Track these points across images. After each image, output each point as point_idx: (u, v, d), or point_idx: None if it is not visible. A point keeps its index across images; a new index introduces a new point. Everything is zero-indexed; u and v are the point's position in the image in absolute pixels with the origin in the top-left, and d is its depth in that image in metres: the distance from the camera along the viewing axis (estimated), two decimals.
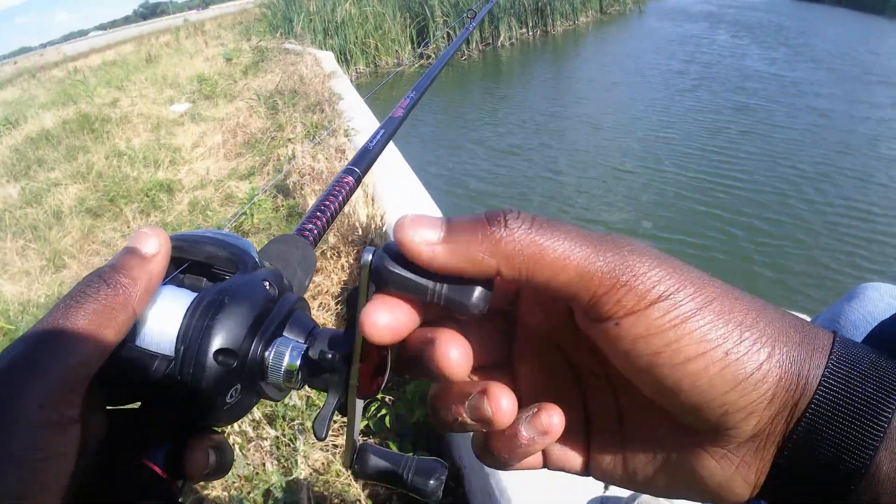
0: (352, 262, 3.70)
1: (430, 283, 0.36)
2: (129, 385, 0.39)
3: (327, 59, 10.31)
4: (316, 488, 2.26)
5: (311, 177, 4.70)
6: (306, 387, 0.42)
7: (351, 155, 4.88)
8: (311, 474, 2.32)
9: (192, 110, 9.10)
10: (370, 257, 0.37)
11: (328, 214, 0.74)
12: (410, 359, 0.39)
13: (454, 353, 0.36)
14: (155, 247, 0.40)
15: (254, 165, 6.18)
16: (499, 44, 16.62)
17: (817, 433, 0.33)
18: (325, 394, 0.42)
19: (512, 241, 0.34)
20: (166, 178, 6.11)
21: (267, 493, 2.19)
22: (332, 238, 3.89)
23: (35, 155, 7.98)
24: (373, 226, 3.69)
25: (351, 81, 8.95)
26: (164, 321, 0.39)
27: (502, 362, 0.44)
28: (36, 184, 6.73)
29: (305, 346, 0.41)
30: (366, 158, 0.91)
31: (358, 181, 0.85)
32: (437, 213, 3.59)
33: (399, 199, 3.88)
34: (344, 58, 14.58)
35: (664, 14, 21.61)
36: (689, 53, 13.38)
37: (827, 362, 0.34)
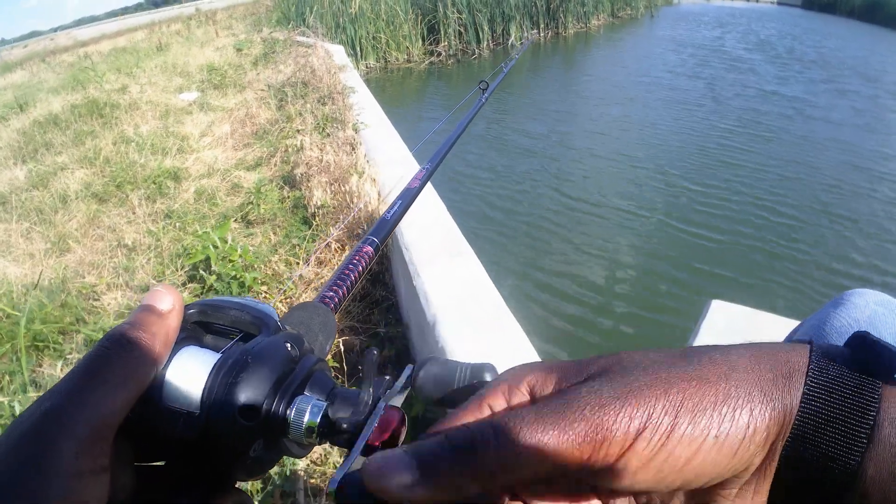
0: None
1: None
2: (155, 441, 0.41)
3: (338, 52, 10.32)
4: (313, 480, 2.27)
5: (318, 168, 4.70)
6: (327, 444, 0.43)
7: (360, 149, 4.90)
8: (308, 465, 2.33)
9: (201, 99, 9.11)
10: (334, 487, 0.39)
11: (348, 283, 0.76)
12: None
13: None
14: (170, 304, 0.43)
15: (261, 156, 6.18)
16: (509, 43, 16.63)
17: (802, 451, 0.35)
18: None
19: (487, 466, 0.35)
20: (173, 166, 6.11)
21: (266, 481, 2.20)
22: (336, 231, 3.89)
23: (43, 138, 7.98)
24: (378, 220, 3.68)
25: (361, 76, 8.95)
26: (189, 379, 0.41)
27: None
28: (43, 167, 6.74)
29: (325, 404, 0.42)
30: (384, 229, 0.95)
31: (377, 250, 0.88)
32: (440, 205, 3.59)
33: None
34: (354, 52, 14.61)
35: (676, 19, 21.71)
36: (698, 61, 13.46)
37: (804, 385, 0.36)
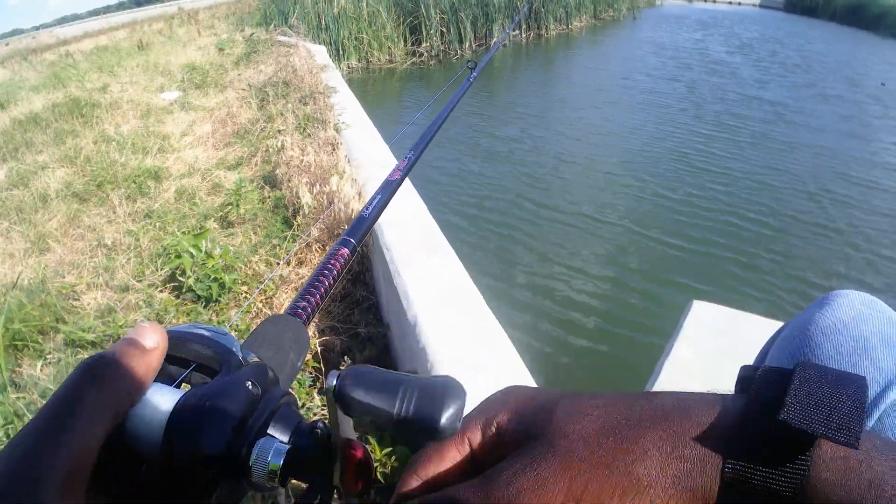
0: None
1: (395, 405, 0.40)
2: (120, 480, 0.40)
3: (320, 52, 10.31)
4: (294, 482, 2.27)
5: (299, 168, 4.70)
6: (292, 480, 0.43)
7: (342, 149, 4.89)
8: None
9: (183, 99, 9.08)
10: (334, 382, 0.41)
11: (322, 290, 0.74)
12: None
13: None
14: (154, 342, 0.42)
15: (242, 156, 6.17)
16: (491, 44, 16.64)
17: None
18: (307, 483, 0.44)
19: None
20: (154, 166, 6.09)
21: None
22: (316, 231, 3.89)
23: (23, 137, 7.92)
24: None
25: (343, 76, 8.94)
26: (150, 421, 0.40)
27: None
28: (23, 166, 6.69)
29: (288, 446, 0.41)
30: (362, 227, 0.92)
31: (353, 251, 0.85)
32: (421, 204, 3.60)
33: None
34: (337, 52, 14.59)
35: (659, 21, 21.71)
36: (679, 64, 13.49)
37: (718, 480, 0.37)
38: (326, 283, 0.75)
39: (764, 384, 0.40)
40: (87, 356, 0.40)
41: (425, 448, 0.46)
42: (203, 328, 0.47)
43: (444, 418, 0.39)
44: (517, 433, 0.43)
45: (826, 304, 0.98)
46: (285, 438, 0.42)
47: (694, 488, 0.37)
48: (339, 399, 0.41)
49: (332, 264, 0.79)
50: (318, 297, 0.72)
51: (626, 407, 0.42)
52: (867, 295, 0.98)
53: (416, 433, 0.41)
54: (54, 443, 0.34)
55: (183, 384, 0.45)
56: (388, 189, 1.10)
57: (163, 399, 0.41)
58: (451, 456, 0.45)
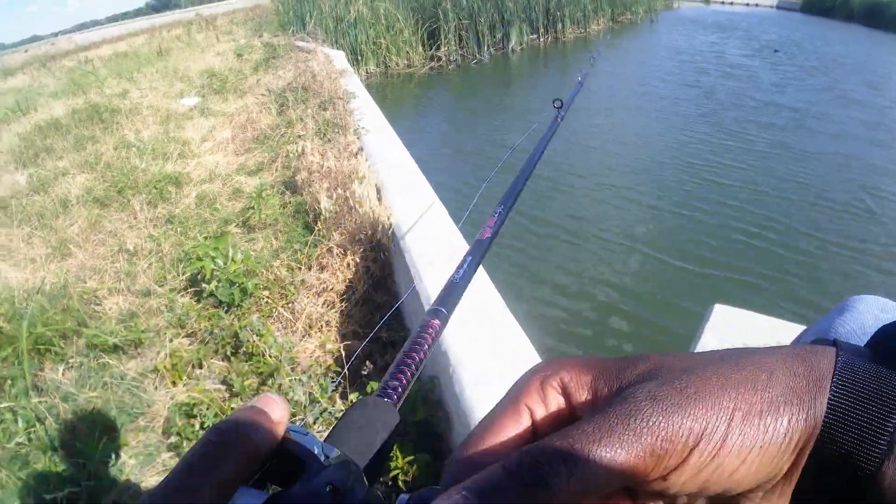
0: (357, 260, 3.70)
1: None
2: None
3: (339, 57, 10.33)
4: None
5: (319, 173, 4.71)
6: None
7: (362, 154, 4.89)
8: None
9: (202, 104, 9.12)
10: None
11: (413, 367, 0.68)
12: None
13: None
14: (280, 415, 0.41)
15: (262, 161, 6.19)
16: (510, 48, 16.66)
17: (826, 455, 0.35)
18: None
19: (560, 499, 0.32)
20: (174, 171, 6.12)
21: None
22: (337, 236, 3.89)
23: (44, 143, 7.98)
24: (380, 226, 3.69)
25: (361, 81, 8.95)
26: None
27: None
28: (44, 172, 6.74)
29: None
30: (453, 294, 0.86)
31: (445, 322, 0.79)
32: (442, 209, 3.60)
33: (407, 199, 3.88)
34: (355, 57, 14.62)
35: (676, 24, 21.68)
36: (697, 67, 13.42)
37: (830, 389, 0.35)
38: (417, 359, 0.70)
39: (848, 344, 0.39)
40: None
41: (472, 431, 0.39)
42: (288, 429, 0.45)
43: None
44: (598, 386, 0.38)
45: (846, 310, 0.97)
46: None
47: (814, 413, 0.35)
48: None
49: (422, 337, 0.74)
50: (409, 374, 0.67)
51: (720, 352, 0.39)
52: (886, 300, 0.98)
53: None
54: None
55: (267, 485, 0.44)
56: (479, 249, 1.01)
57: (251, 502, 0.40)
58: (509, 431, 0.38)
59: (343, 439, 0.52)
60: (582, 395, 0.38)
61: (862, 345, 0.56)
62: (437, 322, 0.77)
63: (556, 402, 0.39)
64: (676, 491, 0.35)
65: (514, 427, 0.38)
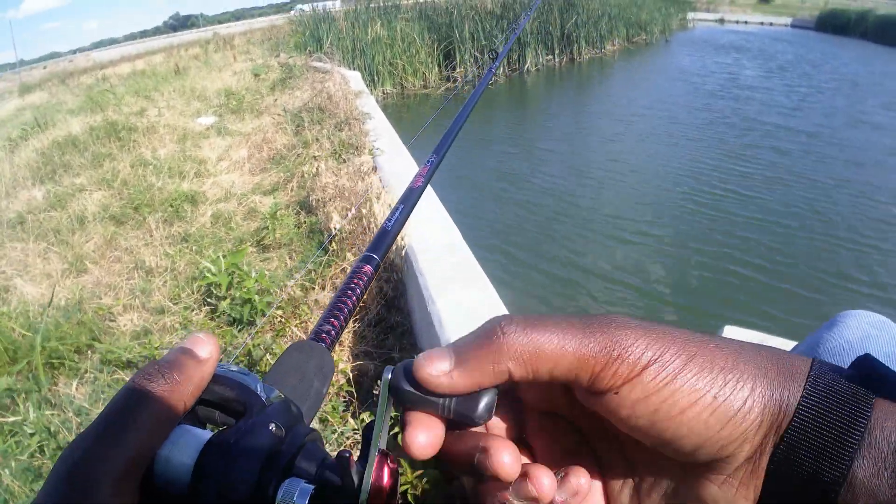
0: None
1: (440, 400, 0.41)
2: None
3: (355, 78, 10.37)
4: None
5: (334, 193, 4.73)
6: None
7: (376, 175, 4.91)
8: None
9: (219, 124, 9.18)
10: (388, 376, 0.42)
11: (346, 311, 0.72)
12: (459, 463, 0.43)
13: (507, 459, 0.40)
14: (208, 352, 0.44)
15: (278, 181, 6.22)
16: (525, 69, 16.72)
17: (797, 450, 0.36)
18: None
19: (513, 346, 0.38)
20: (190, 190, 6.16)
21: None
22: (351, 256, 3.91)
23: (61, 160, 8.04)
24: (393, 246, 3.69)
25: (377, 102, 8.99)
26: (178, 464, 0.41)
27: (518, 437, 0.47)
28: (61, 188, 6.79)
29: (313, 487, 0.41)
30: (384, 242, 0.88)
31: (377, 268, 0.82)
32: (455, 231, 3.61)
33: (420, 220, 3.89)
34: (371, 78, 14.69)
35: (690, 45, 21.73)
36: (713, 91, 13.42)
37: (804, 386, 0.37)
38: (350, 303, 0.73)
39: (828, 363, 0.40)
40: (124, 376, 0.41)
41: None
42: (225, 368, 0.48)
43: (480, 409, 0.41)
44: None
45: (835, 324, 0.99)
46: (311, 476, 0.43)
47: (781, 400, 0.37)
48: (392, 391, 0.42)
49: (354, 283, 0.77)
50: (342, 318, 0.70)
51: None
52: (877, 315, 0.99)
53: (458, 419, 0.42)
54: (111, 446, 0.36)
55: (207, 424, 0.46)
56: (411, 198, 1.03)
57: (190, 442, 0.41)
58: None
59: (280, 381, 0.54)
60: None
61: (849, 358, 0.57)
62: (368, 268, 0.80)
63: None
64: (629, 414, 0.38)
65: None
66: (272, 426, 0.43)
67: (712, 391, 0.37)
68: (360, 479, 0.42)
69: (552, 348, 0.38)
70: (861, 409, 0.36)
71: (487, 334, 0.40)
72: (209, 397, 0.46)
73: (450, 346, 0.41)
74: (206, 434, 0.43)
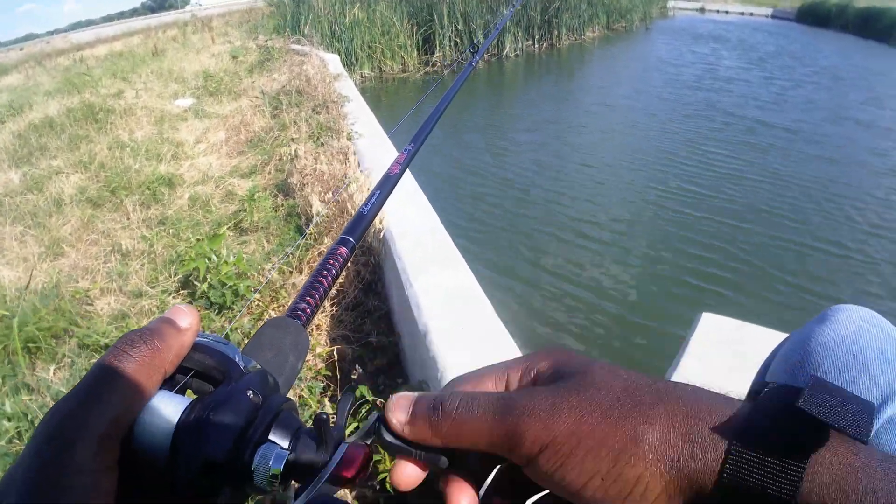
0: (348, 264, 3.70)
1: (412, 449, 0.46)
2: (127, 483, 0.41)
3: (333, 61, 10.33)
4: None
5: (312, 177, 4.72)
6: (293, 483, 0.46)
7: (353, 159, 4.90)
8: None
9: (196, 106, 9.12)
10: (376, 424, 0.47)
11: (321, 291, 0.74)
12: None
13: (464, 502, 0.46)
14: (188, 322, 0.46)
15: (256, 164, 6.20)
16: (504, 55, 16.69)
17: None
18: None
19: (442, 427, 0.44)
20: (168, 172, 6.13)
21: None
22: (329, 240, 3.90)
23: (38, 142, 7.96)
24: (371, 230, 3.70)
25: (356, 85, 8.96)
26: (158, 429, 0.42)
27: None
28: (37, 171, 6.73)
29: (288, 451, 0.44)
30: (360, 225, 0.90)
31: (352, 250, 0.84)
32: (433, 215, 3.61)
33: (398, 203, 3.89)
34: (349, 61, 14.61)
35: (670, 33, 21.71)
36: (691, 80, 13.45)
37: (725, 459, 0.37)
38: (325, 284, 0.75)
39: (777, 390, 0.40)
40: None
41: (467, 373, 0.50)
42: (205, 337, 0.49)
43: (441, 461, 0.47)
44: (552, 377, 0.46)
45: (826, 319, 0.98)
46: (286, 444, 0.44)
47: (690, 472, 0.38)
48: (376, 437, 0.47)
49: (330, 264, 0.79)
50: (317, 297, 0.72)
51: (651, 381, 0.43)
52: (867, 310, 0.98)
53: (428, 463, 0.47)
54: (93, 407, 0.38)
55: (187, 391, 0.48)
56: (388, 184, 1.06)
57: (170, 407, 0.43)
58: (487, 387, 0.48)
59: (257, 354, 0.56)
60: (547, 375, 0.47)
61: (841, 354, 0.59)
62: (344, 250, 0.82)
63: (528, 380, 0.48)
64: (543, 482, 0.43)
65: (493, 386, 0.48)
66: (250, 393, 0.45)
67: (600, 473, 0.40)
68: (336, 444, 0.44)
69: (470, 432, 0.44)
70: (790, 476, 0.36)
71: (433, 409, 0.45)
72: (189, 365, 0.47)
73: (412, 398, 0.47)
74: (186, 400, 0.44)
